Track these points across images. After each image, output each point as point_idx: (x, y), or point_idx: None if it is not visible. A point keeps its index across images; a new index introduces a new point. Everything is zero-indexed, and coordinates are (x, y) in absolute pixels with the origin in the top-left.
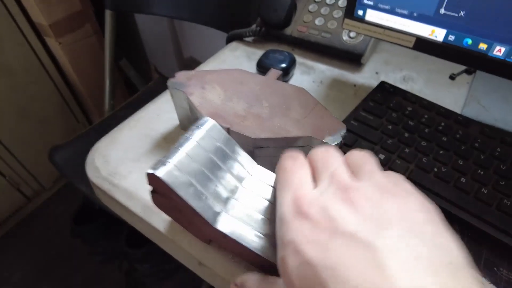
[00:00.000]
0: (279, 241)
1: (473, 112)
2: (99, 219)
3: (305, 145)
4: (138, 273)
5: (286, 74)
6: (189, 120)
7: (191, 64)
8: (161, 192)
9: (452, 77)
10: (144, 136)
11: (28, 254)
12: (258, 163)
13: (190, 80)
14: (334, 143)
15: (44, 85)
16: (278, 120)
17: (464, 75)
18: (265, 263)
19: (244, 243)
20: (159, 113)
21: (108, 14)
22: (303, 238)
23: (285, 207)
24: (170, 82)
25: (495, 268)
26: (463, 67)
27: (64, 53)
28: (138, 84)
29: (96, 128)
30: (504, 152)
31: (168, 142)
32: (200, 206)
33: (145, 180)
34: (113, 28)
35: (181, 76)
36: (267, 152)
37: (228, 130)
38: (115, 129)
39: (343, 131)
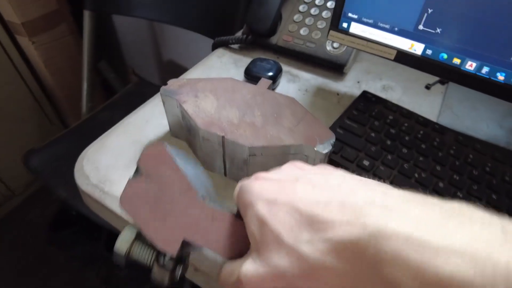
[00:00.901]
0: (240, 208)
1: (447, 120)
2: (77, 225)
3: (297, 152)
4: (117, 278)
5: (273, 82)
6: (180, 127)
7: (170, 67)
8: (151, 170)
9: (428, 87)
10: (134, 142)
11: (1, 262)
12: (251, 170)
13: (182, 88)
14: (325, 151)
15: (15, 86)
16: (271, 129)
17: (438, 85)
18: None
19: (233, 213)
20: (148, 119)
21: (86, 14)
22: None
23: (245, 181)
24: (162, 89)
25: None
26: (437, 78)
27: (38, 53)
28: (117, 86)
29: (74, 131)
30: (475, 159)
31: None
32: (193, 181)
33: None
34: (92, 29)
35: (173, 83)
36: (260, 160)
37: (222, 139)
38: (104, 135)
39: (332, 140)
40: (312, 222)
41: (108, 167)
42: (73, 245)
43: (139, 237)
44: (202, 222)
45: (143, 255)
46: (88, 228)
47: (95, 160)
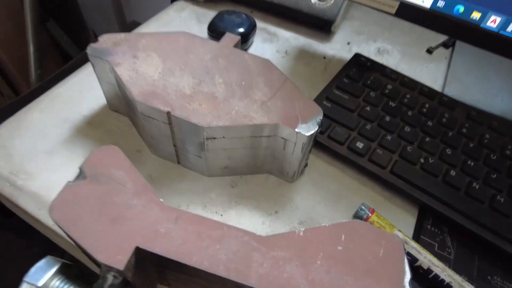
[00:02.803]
0: None
1: (455, 91)
2: None
3: (271, 135)
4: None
5: (244, 41)
6: (118, 99)
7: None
8: (98, 171)
9: (430, 51)
10: (61, 120)
11: None
12: (211, 157)
13: (118, 46)
14: (309, 133)
15: None
16: (237, 102)
17: (442, 49)
18: None
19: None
20: (82, 89)
21: None
22: None
23: None
24: (90, 48)
25: (489, 277)
26: (440, 40)
27: None
28: (71, 50)
29: (20, 103)
30: (493, 140)
31: (94, 128)
32: None
33: (62, 179)
34: None
35: (107, 40)
36: (221, 144)
37: (168, 116)
38: (22, 110)
39: (319, 117)
40: None
41: (24, 154)
42: (32, 230)
43: (63, 271)
44: (162, 224)
45: None
46: None
47: (7, 144)
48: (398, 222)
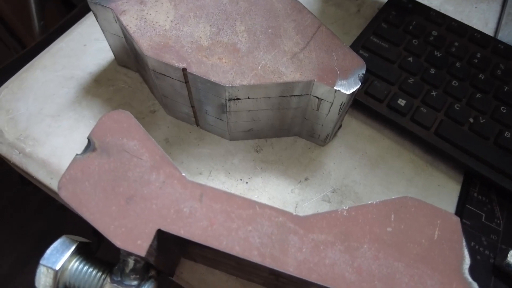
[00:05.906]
0: None
1: (511, 36)
2: None
3: (304, 93)
4: None
5: None
6: (126, 53)
7: None
8: (109, 142)
9: None
10: (65, 79)
11: None
12: (232, 119)
13: None
14: (350, 92)
15: None
16: (263, 55)
17: None
18: None
19: None
20: (87, 42)
21: None
22: None
23: None
24: None
25: None
26: None
27: None
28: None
29: (25, 58)
30: None
31: (101, 86)
32: None
33: (70, 144)
34: None
35: None
36: (245, 105)
37: (184, 73)
38: (23, 69)
39: (361, 71)
40: None
41: (29, 117)
42: None
43: (81, 250)
44: (185, 203)
45: (86, 278)
46: None
47: (10, 107)
48: (441, 189)
